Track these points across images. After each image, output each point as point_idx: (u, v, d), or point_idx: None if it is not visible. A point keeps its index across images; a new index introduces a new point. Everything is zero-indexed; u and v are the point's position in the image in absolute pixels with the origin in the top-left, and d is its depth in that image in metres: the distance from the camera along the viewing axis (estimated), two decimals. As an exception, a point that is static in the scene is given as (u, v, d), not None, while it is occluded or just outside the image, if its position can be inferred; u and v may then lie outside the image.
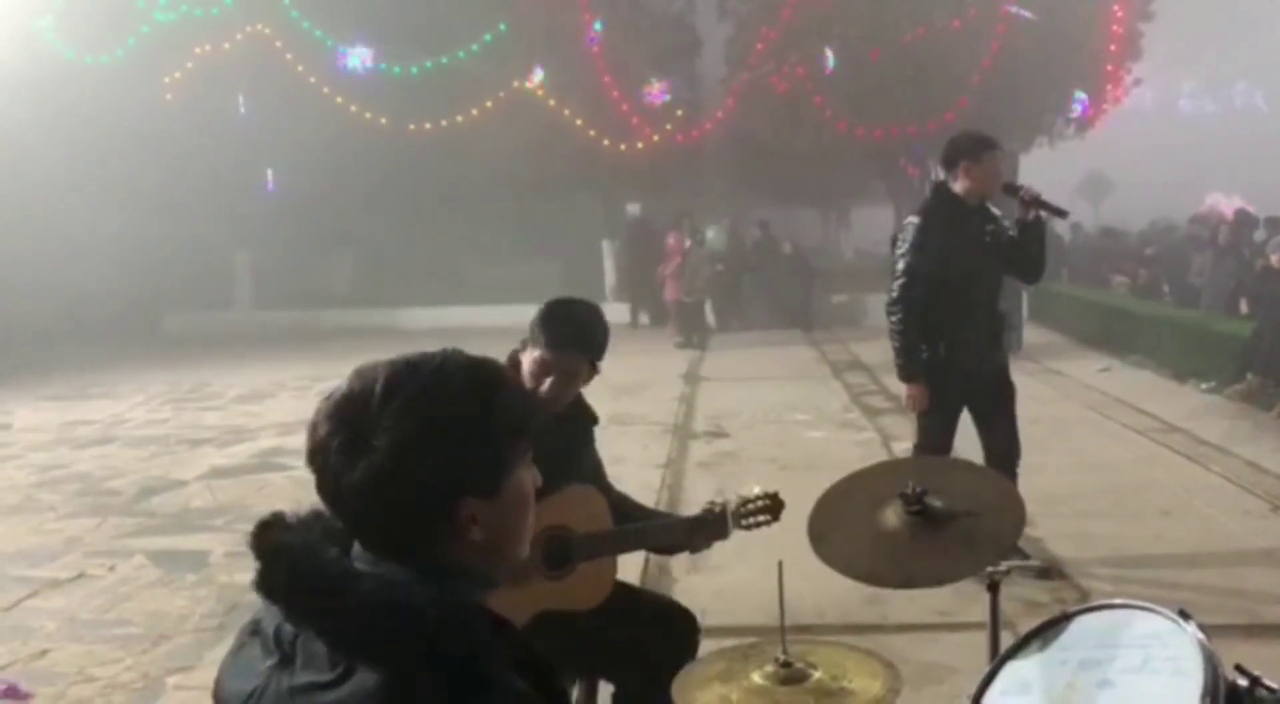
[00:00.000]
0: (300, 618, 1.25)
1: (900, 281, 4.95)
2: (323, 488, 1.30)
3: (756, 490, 2.94)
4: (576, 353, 2.80)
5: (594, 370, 2.88)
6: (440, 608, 1.20)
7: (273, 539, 1.29)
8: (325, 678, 1.22)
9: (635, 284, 17.95)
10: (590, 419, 3.02)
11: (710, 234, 17.67)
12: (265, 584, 1.27)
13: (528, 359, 2.80)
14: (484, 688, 1.19)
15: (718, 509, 2.90)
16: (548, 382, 2.77)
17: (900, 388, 5.25)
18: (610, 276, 18.95)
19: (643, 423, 9.30)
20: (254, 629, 1.35)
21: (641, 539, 2.99)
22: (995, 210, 5.10)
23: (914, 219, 5.01)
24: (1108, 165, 24.39)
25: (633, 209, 18.54)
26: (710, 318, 16.77)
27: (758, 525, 2.90)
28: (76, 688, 4.23)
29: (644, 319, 17.55)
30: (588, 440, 3.02)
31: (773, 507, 2.90)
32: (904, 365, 4.98)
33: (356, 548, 1.31)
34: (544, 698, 1.24)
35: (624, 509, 2.98)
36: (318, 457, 1.28)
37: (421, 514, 1.28)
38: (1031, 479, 5.20)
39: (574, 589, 2.75)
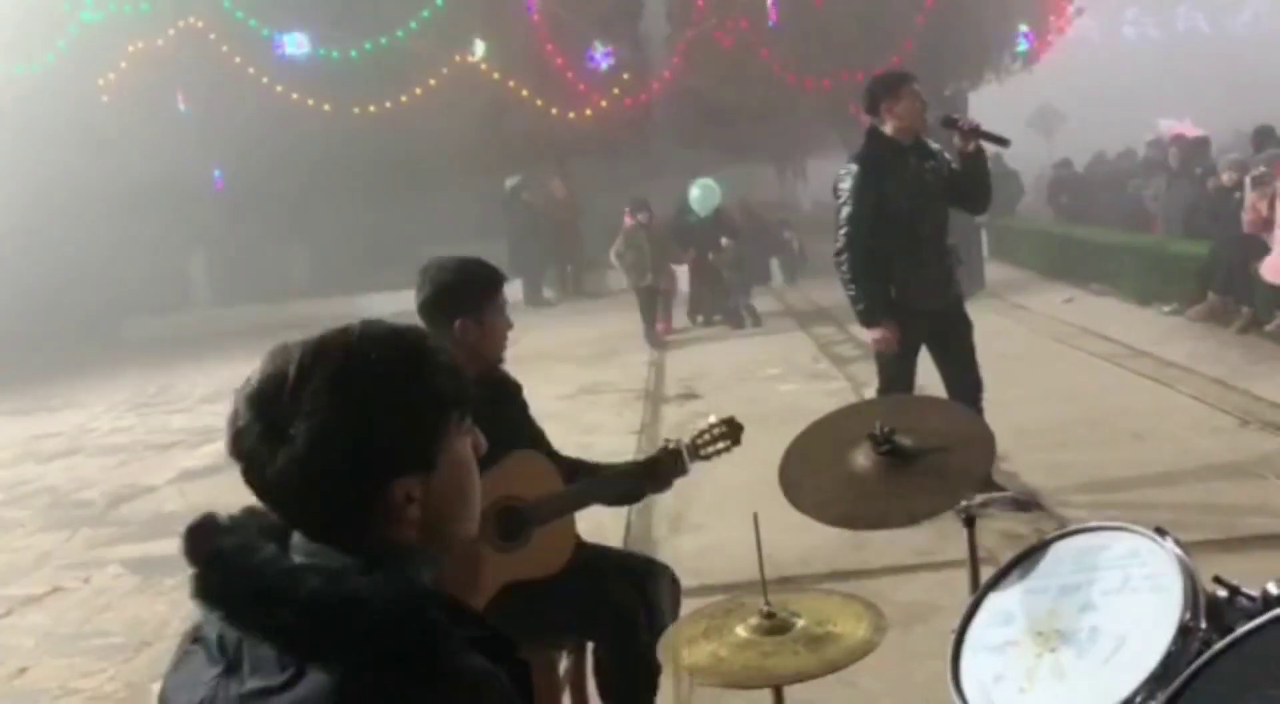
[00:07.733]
0: (243, 624, 1.19)
1: (844, 229, 4.96)
2: (249, 479, 1.24)
3: (712, 419, 2.90)
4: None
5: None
6: (386, 597, 1.14)
7: (207, 544, 1.22)
8: (275, 682, 1.16)
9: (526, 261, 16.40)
10: (514, 387, 2.98)
11: (695, 192, 12.69)
12: (203, 591, 1.20)
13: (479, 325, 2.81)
14: (440, 674, 1.14)
15: (671, 446, 2.86)
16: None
17: (866, 335, 5.25)
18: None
19: (614, 391, 9.27)
20: (195, 637, 1.29)
21: (595, 493, 2.91)
22: (934, 145, 5.08)
23: (850, 166, 5.01)
24: (1057, 98, 24.40)
25: (510, 181, 17.17)
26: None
27: (719, 453, 2.87)
28: (60, 702, 4.17)
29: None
30: (521, 409, 2.97)
31: (730, 431, 2.87)
32: (864, 310, 4.98)
33: (296, 538, 1.26)
34: (505, 672, 1.19)
35: (578, 471, 2.94)
36: (239, 448, 1.22)
37: (353, 500, 1.22)
38: (1003, 413, 5.21)
39: (534, 557, 2.69)
